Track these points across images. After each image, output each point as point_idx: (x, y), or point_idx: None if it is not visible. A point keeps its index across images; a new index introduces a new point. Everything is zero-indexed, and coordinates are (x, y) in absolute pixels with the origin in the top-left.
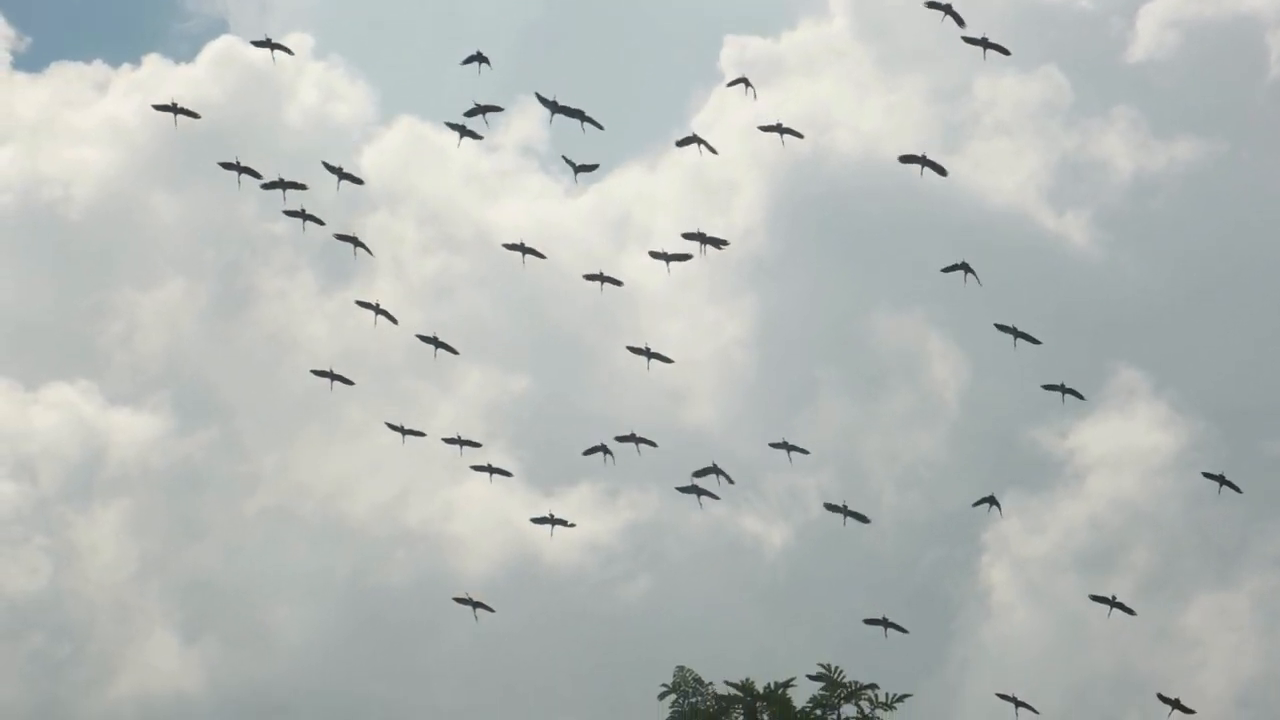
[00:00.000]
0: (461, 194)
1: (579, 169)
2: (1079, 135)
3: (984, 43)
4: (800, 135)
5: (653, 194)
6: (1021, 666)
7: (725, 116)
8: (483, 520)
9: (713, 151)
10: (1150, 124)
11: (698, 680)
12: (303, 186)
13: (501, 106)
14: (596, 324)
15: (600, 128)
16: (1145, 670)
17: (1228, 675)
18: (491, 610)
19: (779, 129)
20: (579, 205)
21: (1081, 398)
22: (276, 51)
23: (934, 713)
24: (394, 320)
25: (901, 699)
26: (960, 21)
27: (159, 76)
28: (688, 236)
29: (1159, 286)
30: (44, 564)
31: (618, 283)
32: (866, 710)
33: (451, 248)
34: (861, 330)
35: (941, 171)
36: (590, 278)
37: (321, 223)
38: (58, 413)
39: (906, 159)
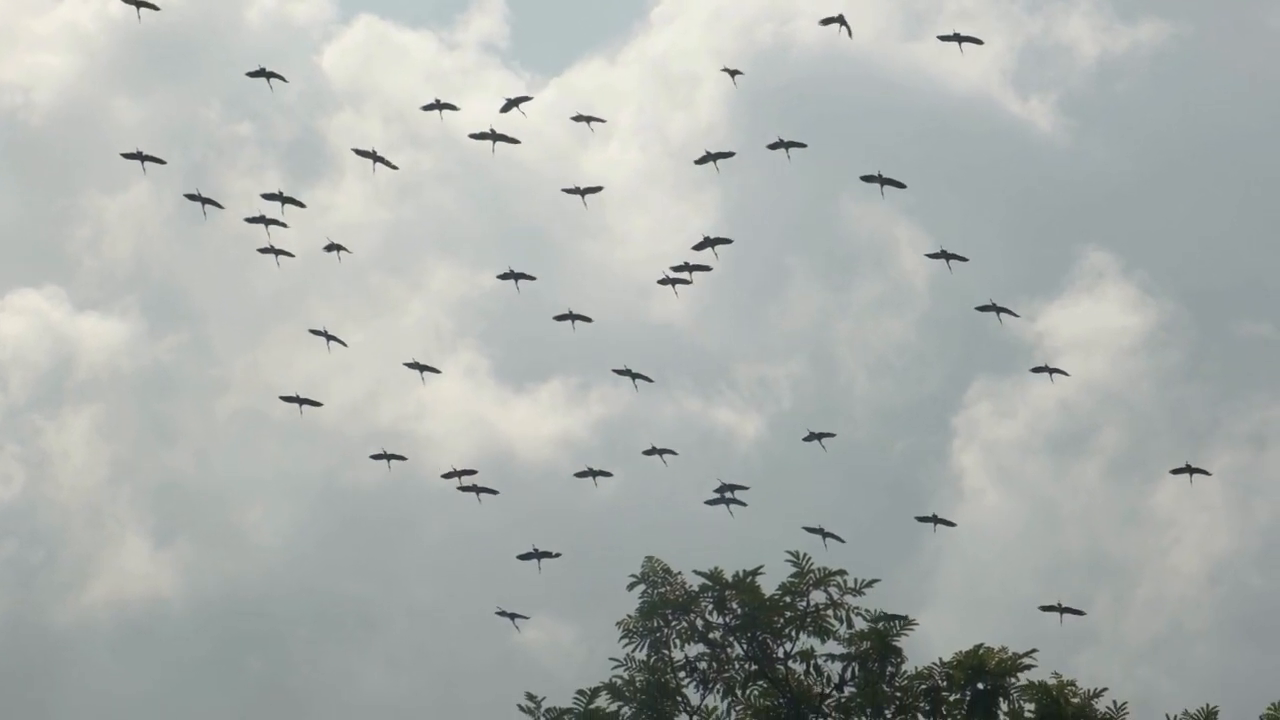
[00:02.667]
0: (424, 92)
1: (510, 103)
2: (1043, 19)
3: None
4: None
5: (614, 87)
6: (993, 551)
7: (686, 8)
8: (455, 418)
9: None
10: (1114, 6)
11: (666, 570)
12: (300, 204)
13: None
14: (563, 220)
15: None
16: (1116, 552)
17: (1200, 554)
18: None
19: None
20: (540, 100)
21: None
22: None
23: (907, 598)
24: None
25: (870, 584)
26: None
27: None
28: (698, 247)
29: (1126, 169)
30: (16, 471)
31: (597, 189)
32: (835, 596)
33: (417, 145)
34: (829, 219)
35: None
36: (569, 191)
37: (291, 255)
38: (25, 319)
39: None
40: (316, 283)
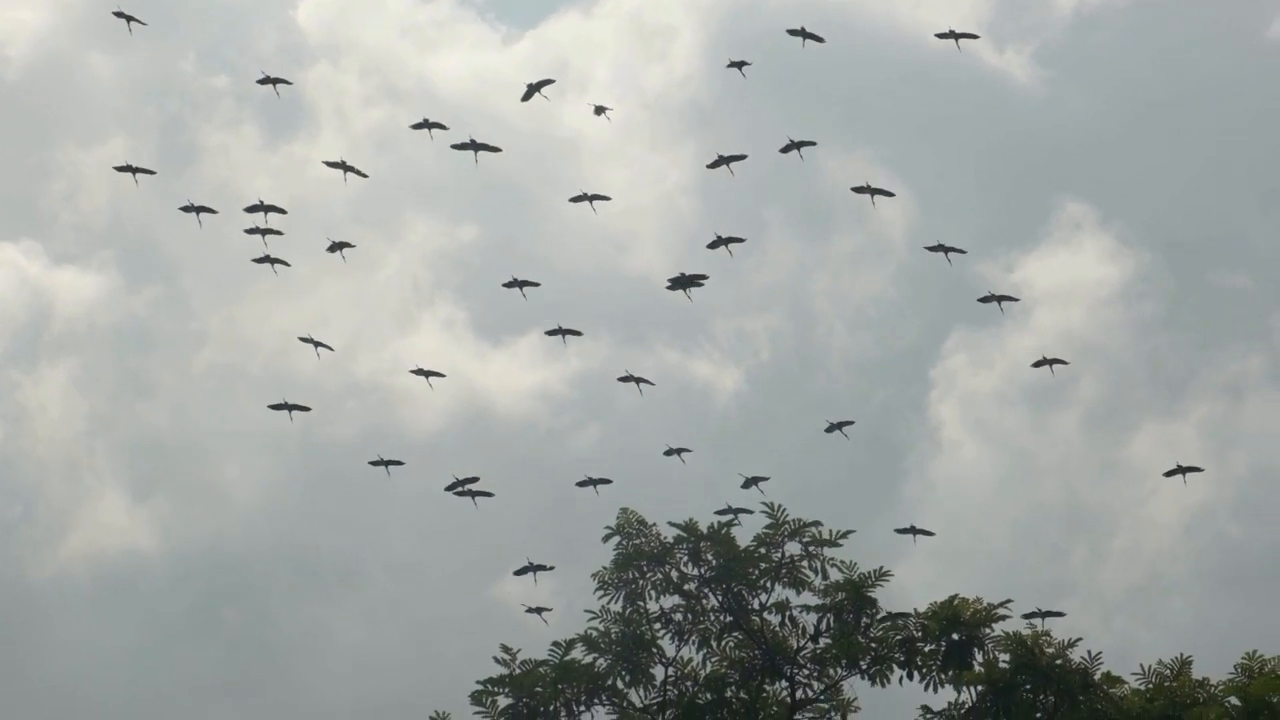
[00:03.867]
0: (399, 45)
1: (531, 89)
2: None
3: None
4: None
5: (589, 39)
6: (971, 502)
7: None
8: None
9: None
10: None
11: (641, 522)
12: (282, 210)
13: None
14: (540, 173)
15: None
16: (1094, 502)
17: (1176, 505)
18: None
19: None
20: (516, 53)
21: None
22: None
23: (886, 550)
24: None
25: (845, 535)
26: None
27: None
28: (712, 246)
29: (1103, 120)
30: None
31: (606, 198)
32: (810, 548)
33: (394, 99)
34: (806, 172)
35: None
36: (576, 199)
37: (288, 264)
38: (1, 273)
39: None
40: (293, 236)
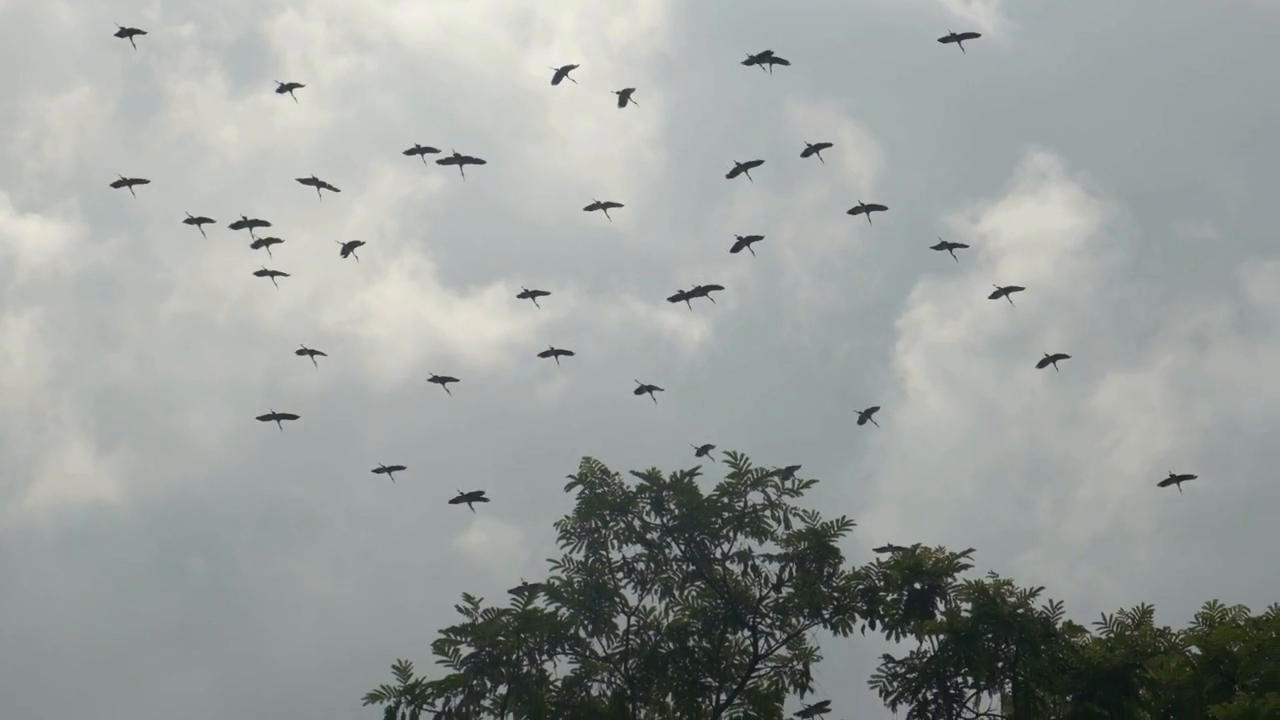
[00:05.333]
0: None
1: (559, 73)
2: None
3: None
4: None
5: None
6: (936, 453)
7: None
8: (399, 321)
9: None
10: None
11: (604, 471)
12: (266, 223)
13: None
14: (506, 123)
15: None
16: (1058, 453)
17: (1141, 454)
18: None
19: None
20: (481, 2)
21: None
22: None
23: (850, 499)
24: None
25: (808, 485)
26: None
27: None
28: (734, 249)
29: (1069, 70)
30: None
31: (615, 205)
32: (773, 497)
33: (361, 48)
34: (772, 122)
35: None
36: (591, 208)
37: (287, 275)
38: None
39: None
40: (259, 185)
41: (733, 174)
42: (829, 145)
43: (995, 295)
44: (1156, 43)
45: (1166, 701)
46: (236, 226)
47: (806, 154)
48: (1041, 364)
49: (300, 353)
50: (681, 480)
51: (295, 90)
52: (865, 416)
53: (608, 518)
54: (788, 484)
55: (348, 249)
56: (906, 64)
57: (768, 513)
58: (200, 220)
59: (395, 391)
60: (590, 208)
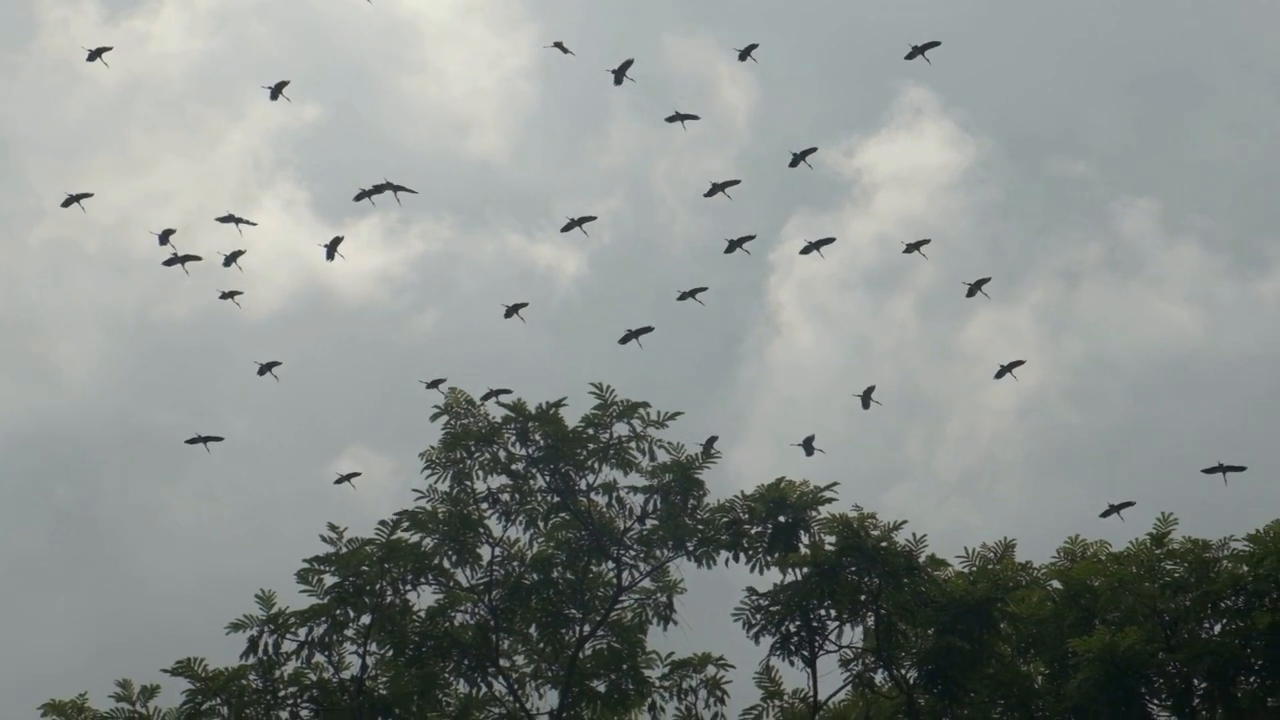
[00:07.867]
0: None
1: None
2: None
3: None
4: None
5: None
6: (807, 387)
7: None
8: (272, 250)
9: None
10: None
11: (469, 402)
12: (240, 235)
13: None
14: (380, 53)
15: None
16: (930, 388)
17: (1011, 389)
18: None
19: None
20: None
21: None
22: None
23: (723, 433)
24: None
25: (673, 417)
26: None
27: None
28: (728, 251)
29: (952, 9)
30: None
31: (592, 218)
32: (638, 429)
33: None
34: (650, 56)
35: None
36: (710, 193)
37: (240, 292)
38: None
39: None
40: (133, 112)
41: (710, 193)
42: (814, 150)
43: (1000, 374)
44: None
45: (1027, 635)
46: (223, 219)
47: (794, 164)
48: (1105, 514)
49: (168, 262)
50: (547, 412)
51: (105, 55)
52: (688, 295)
53: (473, 448)
54: (653, 416)
55: (230, 219)
56: None
57: (633, 445)
58: (80, 197)
59: (266, 322)
60: (709, 193)
